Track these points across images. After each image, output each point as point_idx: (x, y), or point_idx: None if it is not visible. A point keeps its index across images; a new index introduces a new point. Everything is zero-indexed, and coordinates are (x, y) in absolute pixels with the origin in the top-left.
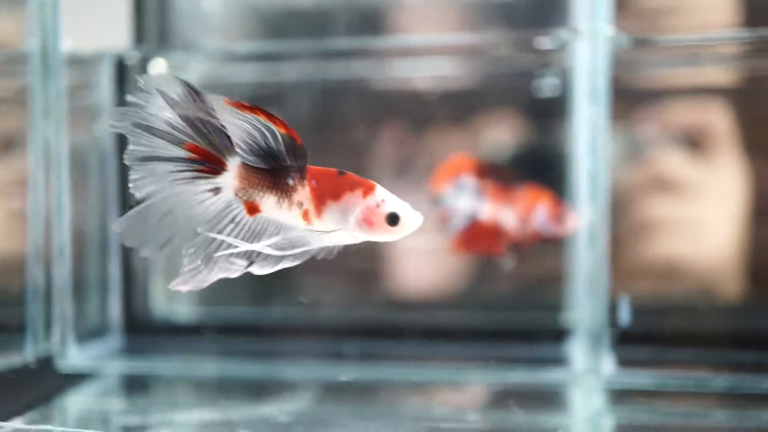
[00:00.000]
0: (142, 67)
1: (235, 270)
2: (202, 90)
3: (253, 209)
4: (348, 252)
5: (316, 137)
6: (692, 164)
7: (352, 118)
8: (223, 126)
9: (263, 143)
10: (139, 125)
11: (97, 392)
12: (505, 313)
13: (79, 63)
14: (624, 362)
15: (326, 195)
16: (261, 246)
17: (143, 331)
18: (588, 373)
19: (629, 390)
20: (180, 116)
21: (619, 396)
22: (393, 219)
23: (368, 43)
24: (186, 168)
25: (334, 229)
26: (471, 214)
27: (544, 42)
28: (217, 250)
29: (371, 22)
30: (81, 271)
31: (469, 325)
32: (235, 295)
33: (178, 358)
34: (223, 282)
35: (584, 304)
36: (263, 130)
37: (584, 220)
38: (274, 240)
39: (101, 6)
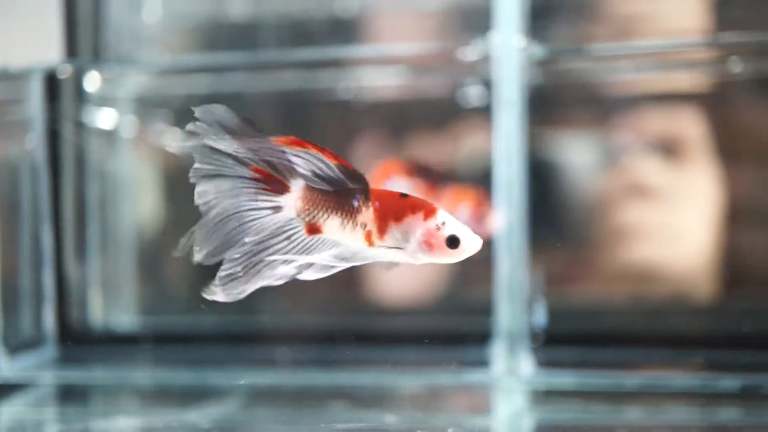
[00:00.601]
0: (76, 81)
1: (285, 277)
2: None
3: (314, 230)
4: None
5: None
6: (666, 171)
7: (288, 128)
8: (285, 151)
9: (324, 171)
10: (206, 146)
11: (29, 402)
12: (433, 316)
13: (9, 78)
14: (546, 363)
15: (389, 216)
16: (324, 257)
17: (80, 341)
18: (507, 374)
19: (551, 391)
20: (243, 143)
21: (539, 397)
22: (453, 242)
23: (299, 55)
24: (250, 185)
25: (394, 250)
26: None
27: (468, 53)
28: (263, 260)
29: (303, 34)
30: (12, 283)
31: (397, 329)
32: (173, 304)
33: (114, 368)
34: (161, 291)
35: (504, 307)
36: (317, 161)
37: (502, 225)
38: (335, 251)
39: (32, 20)
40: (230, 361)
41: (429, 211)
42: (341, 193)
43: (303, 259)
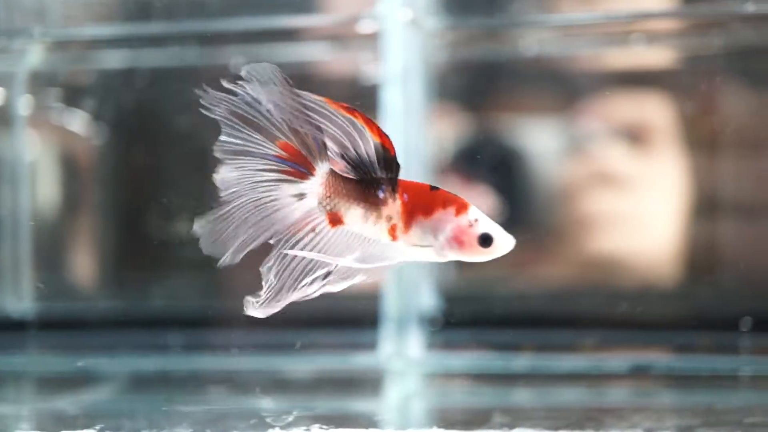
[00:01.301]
0: None
1: (313, 289)
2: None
3: (335, 220)
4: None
5: (138, 126)
6: (633, 158)
7: (173, 105)
8: (320, 127)
9: (355, 151)
10: (234, 114)
11: None
12: (322, 299)
13: None
14: (438, 346)
15: (417, 210)
16: (346, 260)
17: None
18: (396, 357)
19: (444, 374)
20: (279, 109)
21: (431, 380)
22: (486, 240)
23: (191, 27)
24: (274, 167)
25: (421, 246)
26: None
27: (364, 26)
28: (296, 267)
29: (195, 6)
30: None
31: (286, 312)
32: (70, 290)
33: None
34: (58, 277)
35: (392, 290)
36: (356, 136)
37: None
38: (357, 254)
39: None
40: (120, 346)
41: (461, 207)
42: (366, 181)
43: (337, 260)
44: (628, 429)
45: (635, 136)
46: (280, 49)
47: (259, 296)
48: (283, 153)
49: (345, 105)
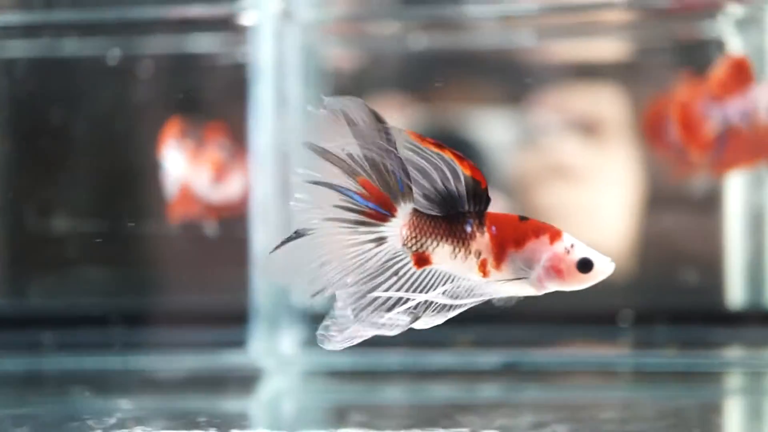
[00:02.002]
0: None
1: (399, 326)
2: (386, 120)
3: (422, 261)
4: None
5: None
6: (586, 150)
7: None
8: (404, 166)
9: (443, 186)
10: (314, 147)
11: None
12: (189, 296)
13: None
14: (313, 343)
15: (507, 243)
16: (435, 295)
17: None
18: (266, 355)
19: (317, 372)
20: (360, 147)
21: (304, 378)
22: (585, 266)
23: (65, 16)
24: (353, 205)
25: (515, 279)
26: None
27: (244, 19)
28: (373, 302)
29: None
30: None
31: (154, 310)
32: None
33: None
34: None
35: (261, 286)
36: (445, 170)
37: (256, 199)
38: (448, 287)
39: None
40: None
41: (554, 234)
42: (452, 217)
43: (428, 297)
44: (481, 427)
45: (588, 128)
46: (159, 40)
47: (334, 329)
48: (364, 191)
49: (433, 140)
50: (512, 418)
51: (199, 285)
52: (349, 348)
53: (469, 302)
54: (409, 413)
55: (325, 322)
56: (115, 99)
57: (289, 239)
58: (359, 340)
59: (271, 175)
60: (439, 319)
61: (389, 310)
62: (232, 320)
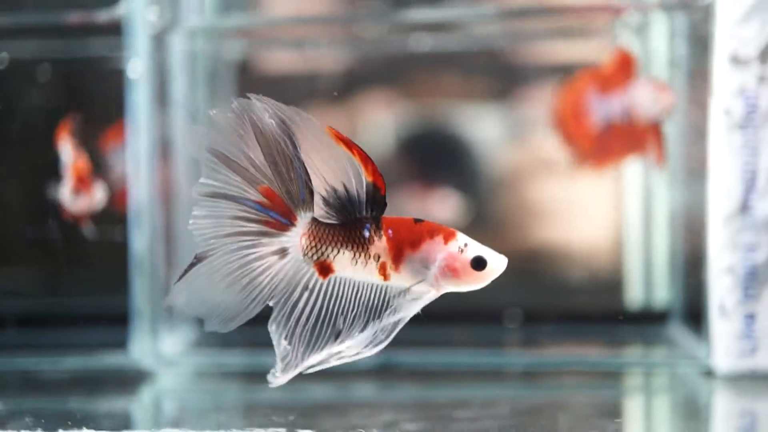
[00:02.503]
0: None
1: (345, 357)
2: (304, 119)
3: (325, 269)
4: None
5: None
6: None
7: None
8: (307, 173)
9: (344, 191)
10: (216, 153)
11: None
12: (69, 297)
13: None
14: (194, 343)
15: (404, 245)
16: (362, 337)
17: None
18: (148, 356)
19: (200, 372)
20: (265, 152)
21: (186, 378)
22: (479, 263)
23: None
24: (253, 216)
25: (414, 283)
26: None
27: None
28: (306, 328)
29: None
30: None
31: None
32: None
33: None
34: None
35: (138, 286)
36: (350, 174)
37: (134, 201)
38: (367, 335)
39: None
40: None
41: (448, 234)
42: (350, 223)
43: (353, 356)
44: (335, 426)
45: None
46: (32, 45)
47: (276, 365)
48: (265, 200)
49: (346, 139)
50: (368, 418)
51: (80, 287)
52: (231, 349)
53: (390, 336)
54: (269, 412)
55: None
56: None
57: (190, 266)
58: (304, 369)
59: (148, 179)
60: (381, 343)
61: (320, 335)
62: (114, 321)
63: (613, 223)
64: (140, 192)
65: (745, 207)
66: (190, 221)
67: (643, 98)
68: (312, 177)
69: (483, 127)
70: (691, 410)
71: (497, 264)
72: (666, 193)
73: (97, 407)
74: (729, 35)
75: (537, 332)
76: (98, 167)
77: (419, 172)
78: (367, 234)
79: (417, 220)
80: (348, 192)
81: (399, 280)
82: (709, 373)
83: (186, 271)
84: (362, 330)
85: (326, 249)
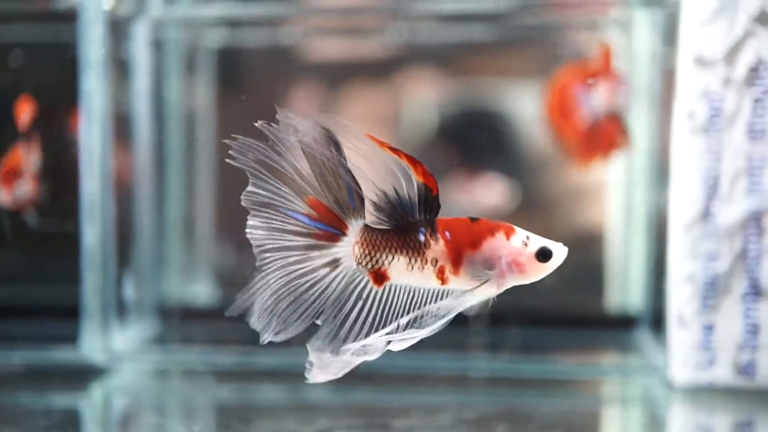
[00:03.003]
0: None
1: (375, 352)
2: (344, 127)
3: (380, 277)
4: None
5: None
6: None
7: None
8: (355, 179)
9: (395, 194)
10: (262, 164)
11: None
12: (17, 287)
13: None
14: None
15: (464, 246)
16: (412, 334)
17: None
18: (99, 351)
19: (151, 369)
20: (311, 163)
21: (142, 375)
22: (545, 255)
23: None
24: (302, 229)
25: (476, 284)
26: None
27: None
28: (349, 334)
29: None
30: None
31: None
32: None
33: None
34: None
35: (89, 281)
36: (399, 176)
37: (86, 193)
38: (414, 316)
39: None
40: None
41: (509, 230)
42: (403, 228)
43: (403, 337)
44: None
45: None
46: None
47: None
48: (313, 212)
49: (389, 145)
50: (303, 424)
51: (30, 278)
52: (181, 347)
53: (441, 324)
54: (205, 413)
55: (309, 358)
56: None
57: (250, 282)
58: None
59: (99, 170)
60: (411, 342)
61: (366, 337)
62: (64, 315)
63: (596, 223)
64: (92, 184)
65: (706, 214)
66: (247, 230)
67: (600, 92)
68: (361, 183)
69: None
70: (645, 423)
71: (560, 253)
72: (644, 194)
73: (44, 403)
74: (694, 35)
75: (502, 336)
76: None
77: (463, 157)
78: (422, 238)
79: (473, 219)
80: (399, 195)
81: (457, 283)
82: (669, 385)
83: (248, 286)
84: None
85: (381, 256)
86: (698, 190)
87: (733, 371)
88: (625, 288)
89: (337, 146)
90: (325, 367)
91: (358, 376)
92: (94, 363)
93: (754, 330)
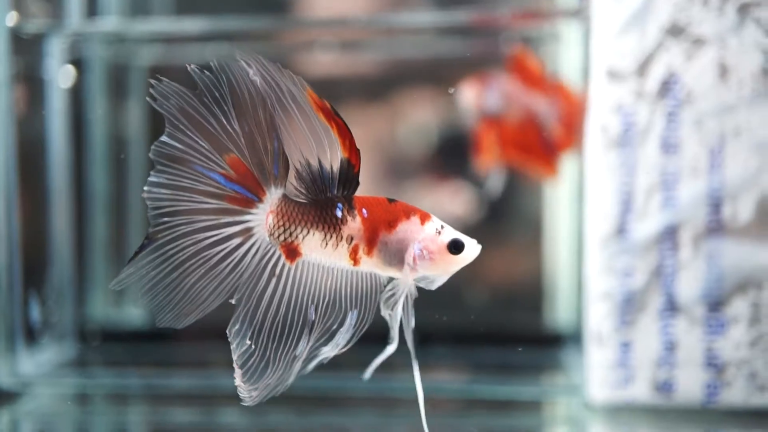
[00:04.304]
0: None
1: (318, 358)
2: (291, 77)
3: (292, 252)
4: None
5: None
6: None
7: None
8: (282, 145)
9: (318, 165)
10: (184, 112)
11: None
12: None
13: None
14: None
15: (380, 225)
16: (341, 336)
17: None
18: (4, 375)
19: (62, 394)
20: (240, 117)
21: (59, 400)
22: (457, 246)
23: None
24: (217, 190)
25: (386, 268)
26: None
27: None
28: (265, 316)
29: None
30: None
31: None
32: None
33: None
34: None
35: None
36: (326, 146)
37: None
38: (343, 338)
39: None
40: None
41: (424, 216)
42: (321, 202)
43: (324, 354)
44: None
45: None
46: None
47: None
48: (231, 172)
49: (327, 107)
50: None
51: None
52: (100, 371)
53: (364, 325)
54: None
55: (238, 376)
56: None
57: (141, 248)
58: (282, 386)
59: (6, 189)
60: (341, 349)
61: (291, 326)
62: None
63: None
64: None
65: (621, 230)
66: (145, 188)
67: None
68: (289, 149)
69: None
70: None
71: (472, 249)
72: (569, 209)
73: None
74: (605, 48)
75: (429, 354)
76: None
77: (432, 162)
78: (339, 214)
79: (391, 200)
80: (322, 167)
81: (369, 265)
82: (588, 405)
83: (136, 254)
84: (340, 323)
85: (295, 229)
86: (613, 206)
87: (651, 389)
88: (555, 306)
89: (274, 103)
90: (257, 391)
91: (275, 398)
92: (1, 387)
93: (671, 347)
